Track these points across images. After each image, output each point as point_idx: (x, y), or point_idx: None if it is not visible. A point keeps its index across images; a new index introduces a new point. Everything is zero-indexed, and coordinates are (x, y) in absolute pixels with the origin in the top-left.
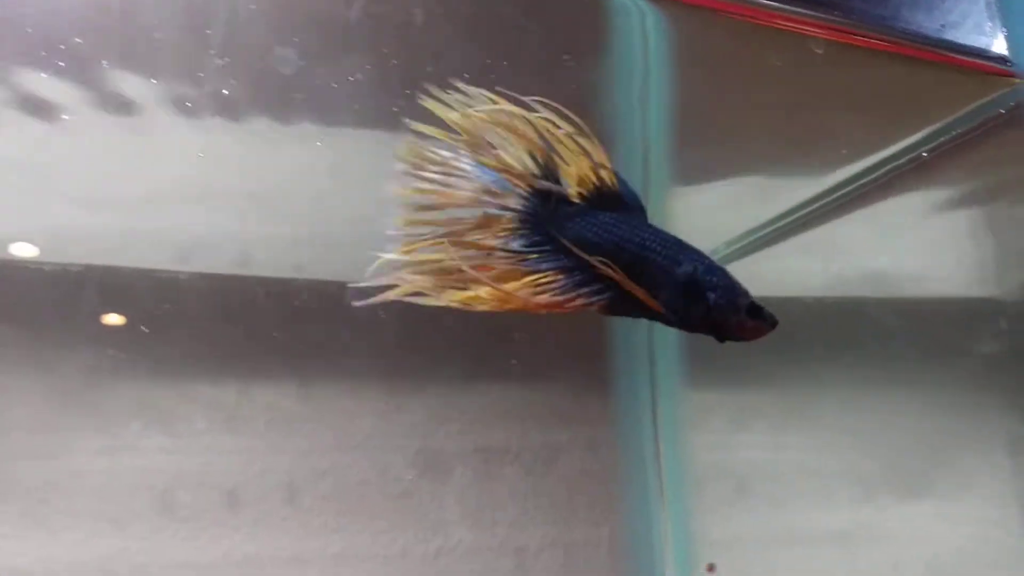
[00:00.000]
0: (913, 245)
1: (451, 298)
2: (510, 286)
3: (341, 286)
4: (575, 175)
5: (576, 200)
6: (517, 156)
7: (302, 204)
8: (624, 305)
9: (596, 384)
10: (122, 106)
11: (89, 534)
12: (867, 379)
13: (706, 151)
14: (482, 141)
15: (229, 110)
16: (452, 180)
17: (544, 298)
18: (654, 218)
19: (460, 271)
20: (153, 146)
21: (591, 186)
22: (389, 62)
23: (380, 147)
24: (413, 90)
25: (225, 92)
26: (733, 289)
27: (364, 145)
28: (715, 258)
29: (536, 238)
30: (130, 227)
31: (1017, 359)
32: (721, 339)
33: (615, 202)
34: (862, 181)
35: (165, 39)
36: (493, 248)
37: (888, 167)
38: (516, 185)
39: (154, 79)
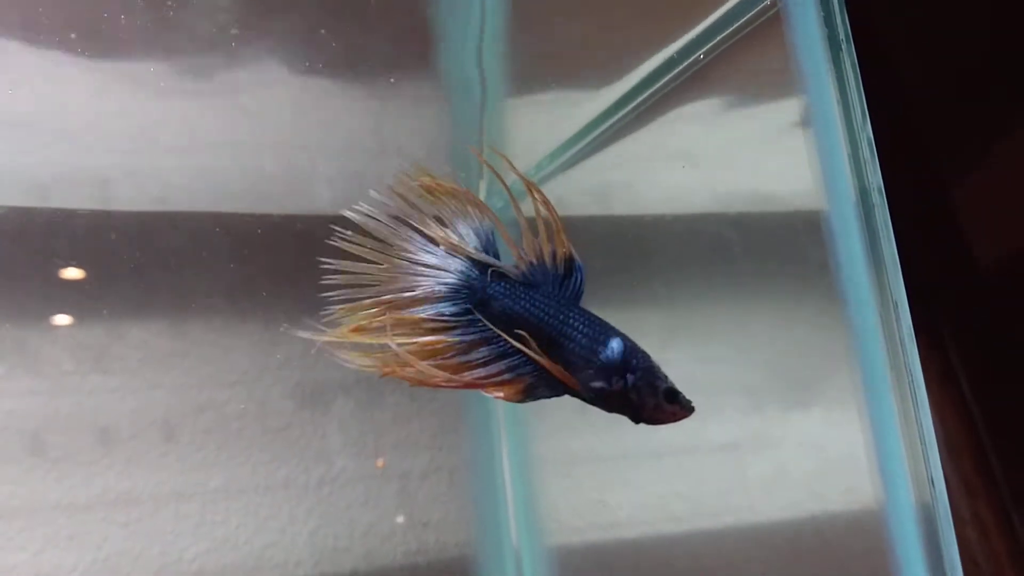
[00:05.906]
0: (740, 157)
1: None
2: (434, 360)
3: (211, 218)
4: (521, 250)
5: (513, 275)
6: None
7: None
8: (542, 380)
9: None
10: None
11: None
12: (750, 293)
13: (534, 77)
14: (430, 214)
15: None
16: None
17: (466, 376)
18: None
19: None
20: None
21: (531, 263)
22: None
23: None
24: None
25: None
26: (652, 372)
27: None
28: (540, 173)
29: (466, 307)
30: None
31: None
32: (636, 420)
33: (551, 281)
34: (650, 91)
35: None
36: (423, 320)
37: (674, 71)
38: (455, 256)
39: None
